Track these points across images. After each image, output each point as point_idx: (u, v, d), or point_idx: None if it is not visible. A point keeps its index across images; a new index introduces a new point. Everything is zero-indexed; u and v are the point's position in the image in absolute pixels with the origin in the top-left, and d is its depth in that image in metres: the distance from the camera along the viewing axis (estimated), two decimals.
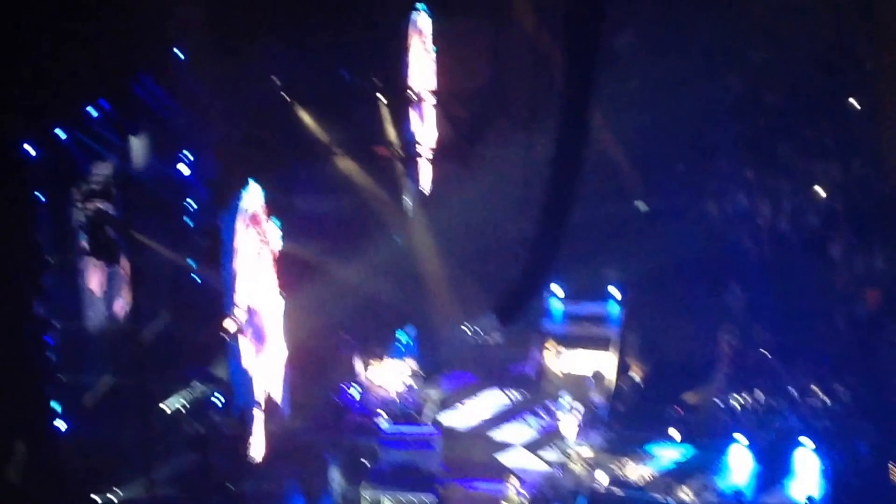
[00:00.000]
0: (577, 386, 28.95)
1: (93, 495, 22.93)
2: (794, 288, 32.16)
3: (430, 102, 34.39)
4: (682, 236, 34.53)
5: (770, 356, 29.66)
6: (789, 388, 28.25)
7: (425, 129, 34.86)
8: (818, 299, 31.80)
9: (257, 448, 24.77)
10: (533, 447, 27.34)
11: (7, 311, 20.23)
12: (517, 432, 28.00)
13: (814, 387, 28.15)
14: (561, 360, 29.82)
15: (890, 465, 24.96)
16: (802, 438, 26.30)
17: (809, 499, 24.66)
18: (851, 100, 36.78)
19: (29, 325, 20.83)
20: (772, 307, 31.34)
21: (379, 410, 27.77)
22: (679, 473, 26.00)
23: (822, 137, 36.85)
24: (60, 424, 21.74)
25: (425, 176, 35.58)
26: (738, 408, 27.83)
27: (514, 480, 24.42)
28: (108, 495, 23.20)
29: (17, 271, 20.56)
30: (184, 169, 24.10)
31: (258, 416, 24.78)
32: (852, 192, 35.86)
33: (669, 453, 26.73)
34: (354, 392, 28.19)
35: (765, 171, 36.65)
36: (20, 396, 20.35)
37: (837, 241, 33.94)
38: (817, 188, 35.99)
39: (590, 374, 29.34)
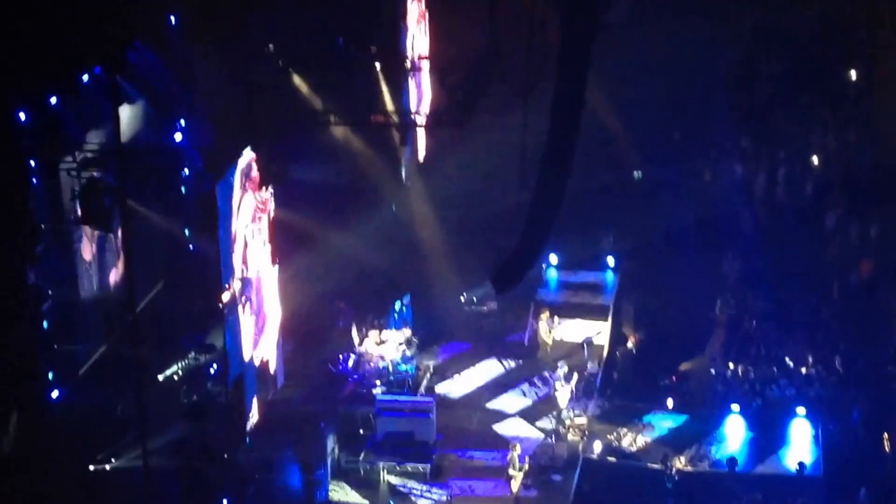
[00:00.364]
0: (573, 355, 29.03)
1: (89, 465, 22.98)
2: (789, 257, 32.26)
3: (426, 70, 34.27)
4: (677, 205, 34.61)
5: (764, 325, 29.75)
6: (783, 356, 28.35)
7: (422, 97, 34.78)
8: (813, 268, 31.89)
9: (253, 417, 24.83)
10: (528, 416, 27.40)
11: (1, 280, 20.20)
12: (513, 401, 28.06)
13: (807, 355, 28.26)
14: (556, 329, 29.85)
15: (883, 434, 25.08)
16: (796, 406, 26.44)
17: (802, 465, 24.77)
18: (848, 69, 36.82)
19: (23, 294, 20.80)
20: (767, 276, 31.42)
21: (375, 380, 27.80)
22: (673, 441, 26.09)
23: (819, 107, 36.89)
24: (55, 393, 21.74)
25: (422, 144, 35.52)
26: (732, 376, 27.91)
27: (517, 448, 24.52)
28: (104, 465, 23.24)
29: (10, 240, 20.51)
30: (179, 137, 24.00)
31: (254, 386, 24.83)
32: (848, 161, 35.93)
33: (664, 422, 26.81)
34: (351, 362, 28.21)
35: (761, 141, 36.70)
36: (14, 366, 20.34)
37: (832, 211, 34.04)
38: (813, 157, 36.05)
39: (585, 343, 29.39)
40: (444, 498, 24.40)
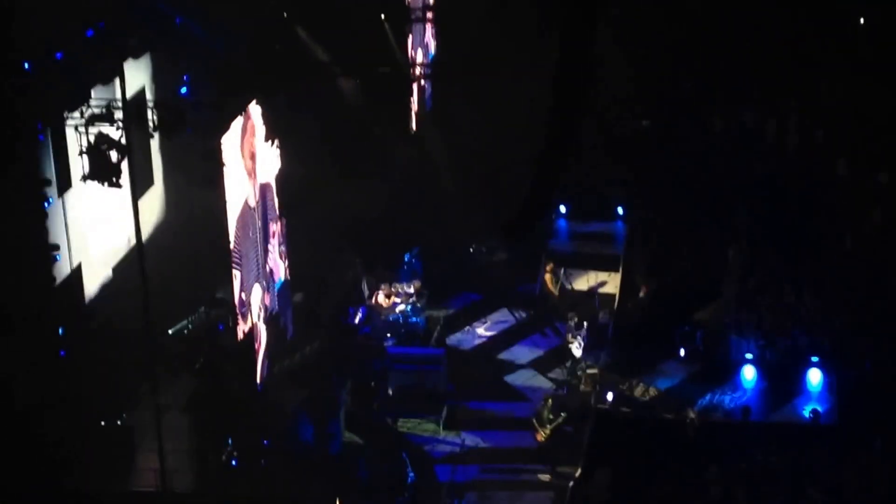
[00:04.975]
0: (584, 305, 28.92)
1: (101, 420, 23.01)
2: (800, 205, 32.04)
3: (433, 20, 33.98)
4: (687, 154, 34.35)
5: (776, 274, 29.59)
6: (796, 305, 28.21)
7: (428, 47, 34.50)
8: (825, 216, 31.68)
9: (264, 372, 24.80)
10: (540, 367, 27.36)
11: (10, 237, 20.15)
12: (524, 352, 28.01)
13: (819, 304, 28.11)
14: (567, 280, 29.75)
15: None
16: (808, 355, 26.34)
17: (816, 414, 24.71)
18: (858, 17, 36.41)
19: (32, 251, 20.76)
20: (778, 225, 31.21)
21: (386, 332, 27.75)
22: (686, 391, 26.04)
23: (828, 54, 36.50)
24: (67, 350, 21.73)
25: (430, 95, 35.28)
26: (745, 325, 27.79)
27: (549, 400, 24.56)
28: (117, 420, 23.28)
29: (18, 197, 20.46)
30: (185, 90, 23.85)
31: (264, 339, 24.79)
32: (858, 108, 35.60)
33: (676, 371, 26.74)
34: (362, 314, 28.15)
35: (770, 89, 36.36)
36: (26, 324, 20.34)
37: (843, 158, 33.77)
38: (823, 105, 35.73)
39: (596, 294, 29.31)
40: (457, 449, 24.40)
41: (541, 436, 24.32)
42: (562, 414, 24.46)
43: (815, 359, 26.21)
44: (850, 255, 30.40)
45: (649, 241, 31.39)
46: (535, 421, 24.39)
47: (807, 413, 24.97)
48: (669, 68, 36.17)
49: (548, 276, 29.49)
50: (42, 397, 20.76)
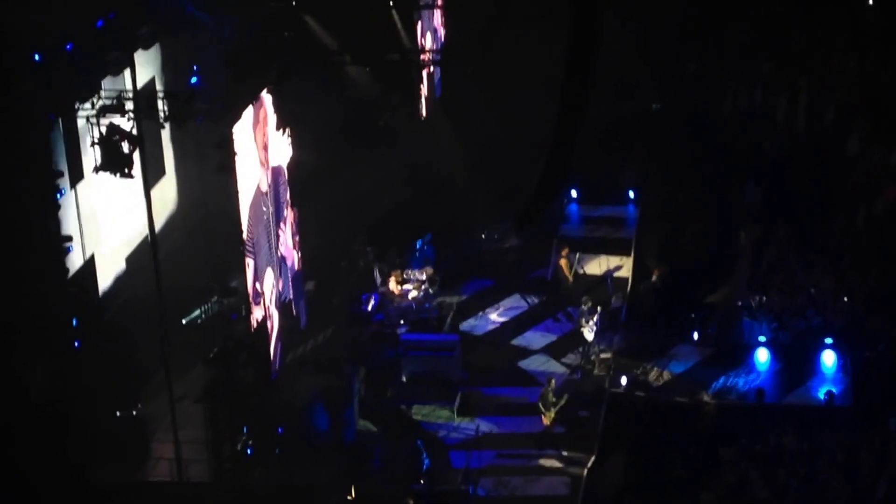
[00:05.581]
0: (597, 290, 28.88)
1: (117, 411, 23.09)
2: (812, 185, 31.93)
3: (442, 5, 33.92)
4: (698, 136, 34.24)
5: (789, 255, 29.52)
6: (809, 286, 28.14)
7: (437, 33, 34.43)
8: (837, 195, 31.57)
9: (278, 360, 24.83)
10: (553, 352, 27.35)
11: (23, 229, 20.20)
12: (537, 337, 28.00)
13: (832, 284, 28.03)
14: (579, 264, 29.72)
15: None
16: (822, 336, 26.30)
17: (830, 396, 24.70)
18: None
19: (45, 242, 20.82)
20: (790, 205, 31.12)
21: (399, 319, 27.76)
22: (699, 375, 26.03)
23: (838, 29, 36.32)
24: (81, 341, 21.80)
25: (439, 81, 35.22)
26: (758, 307, 27.74)
27: (552, 383, 24.54)
28: (132, 411, 23.35)
29: (31, 188, 20.51)
30: (195, 80, 23.87)
31: (277, 328, 24.81)
32: (869, 84, 35.42)
33: (689, 355, 26.73)
34: (374, 302, 28.16)
35: (780, 66, 36.19)
36: (40, 314, 20.41)
37: (855, 136, 33.62)
38: (834, 81, 35.56)
39: (609, 278, 29.27)
40: (472, 435, 24.42)
41: (547, 419, 24.30)
42: (565, 395, 24.43)
43: (828, 340, 26.16)
44: (862, 235, 30.32)
45: (661, 224, 31.33)
46: (540, 404, 24.38)
47: (821, 395, 24.94)
48: (679, 48, 36.05)
49: (563, 262, 29.47)
50: (57, 389, 20.84)
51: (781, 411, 24.59)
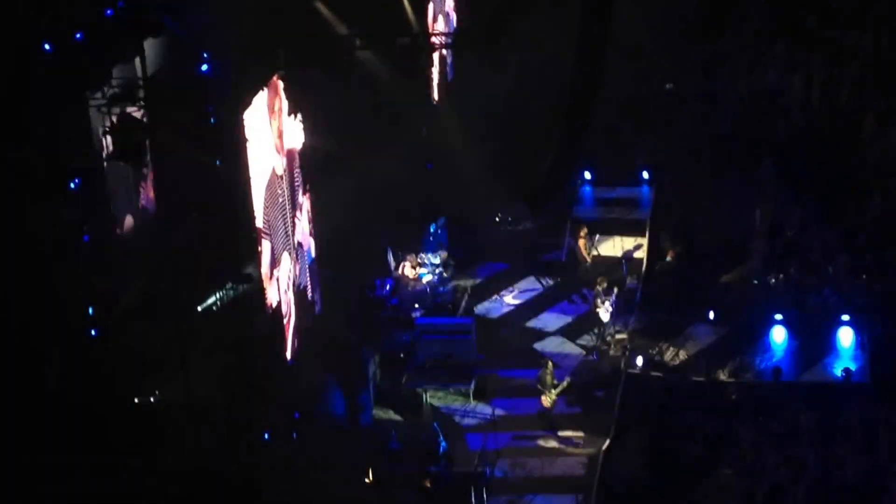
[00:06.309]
0: (612, 271, 28.86)
1: (132, 399, 23.11)
2: (828, 163, 31.76)
3: None
4: (711, 115, 34.08)
5: (804, 233, 29.40)
6: (825, 264, 28.03)
7: (448, 16, 34.34)
8: (852, 174, 31.41)
9: (293, 346, 24.86)
10: (569, 333, 27.34)
11: (36, 218, 20.22)
12: (553, 319, 27.99)
13: (848, 262, 27.91)
14: (594, 246, 29.68)
15: None
16: (838, 313, 26.20)
17: (848, 373, 24.62)
18: None
19: (58, 231, 20.84)
20: (805, 184, 30.97)
21: (414, 303, 27.76)
22: (716, 353, 25.97)
23: (853, 8, 36.07)
24: (95, 329, 21.82)
25: (451, 64, 35.14)
26: (774, 286, 27.66)
27: (549, 365, 24.47)
28: (149, 398, 23.38)
29: (43, 178, 20.52)
30: (205, 67, 23.83)
31: (292, 314, 24.84)
32: (884, 64, 35.20)
33: (705, 334, 26.67)
34: (389, 286, 28.17)
35: (795, 45, 35.99)
36: (54, 303, 20.43)
37: (870, 115, 33.43)
38: (850, 60, 35.33)
39: (623, 259, 29.24)
40: (488, 418, 24.43)
41: (546, 400, 24.26)
42: (567, 378, 24.39)
43: (845, 317, 26.07)
44: (878, 212, 30.18)
45: (675, 204, 31.23)
46: (539, 385, 24.34)
47: (838, 372, 24.87)
48: (691, 27, 35.88)
49: (582, 241, 29.44)
50: (73, 377, 20.87)
51: (798, 389, 24.53)
